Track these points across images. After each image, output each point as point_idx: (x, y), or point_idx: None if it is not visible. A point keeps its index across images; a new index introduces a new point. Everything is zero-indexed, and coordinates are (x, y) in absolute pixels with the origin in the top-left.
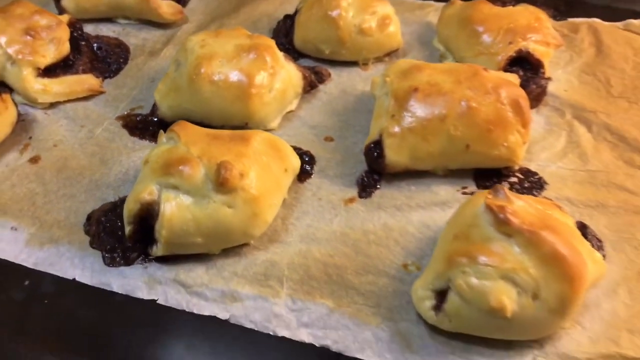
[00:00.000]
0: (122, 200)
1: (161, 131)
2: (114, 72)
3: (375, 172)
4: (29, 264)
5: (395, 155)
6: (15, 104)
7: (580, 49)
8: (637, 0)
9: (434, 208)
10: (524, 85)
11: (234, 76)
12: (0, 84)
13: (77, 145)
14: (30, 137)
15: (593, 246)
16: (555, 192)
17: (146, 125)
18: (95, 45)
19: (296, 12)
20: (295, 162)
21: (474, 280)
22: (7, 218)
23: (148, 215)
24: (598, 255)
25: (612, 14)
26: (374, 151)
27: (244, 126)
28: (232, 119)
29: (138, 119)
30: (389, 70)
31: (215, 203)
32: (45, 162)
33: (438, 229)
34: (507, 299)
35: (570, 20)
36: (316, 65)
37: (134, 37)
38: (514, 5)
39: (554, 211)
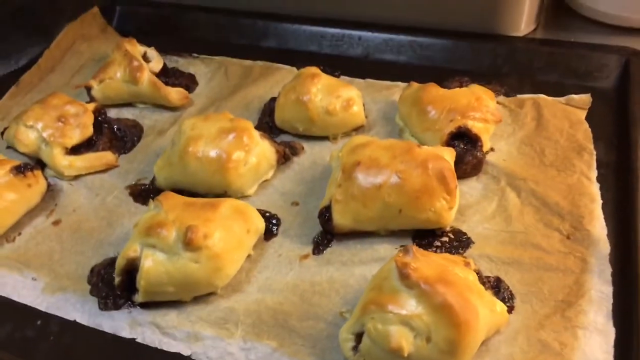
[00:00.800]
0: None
1: (150, 200)
2: (129, 149)
3: (328, 233)
4: (42, 307)
5: (340, 218)
6: (46, 178)
7: (522, 123)
8: (583, 76)
9: (373, 264)
10: (461, 156)
11: (214, 153)
12: (37, 162)
13: (91, 210)
14: (56, 204)
15: (505, 299)
16: (478, 250)
17: (147, 193)
18: (115, 126)
19: (279, 96)
20: (260, 224)
21: (379, 325)
22: (30, 270)
23: (133, 269)
24: (500, 305)
25: (560, 89)
26: (325, 215)
27: (223, 194)
28: (214, 188)
29: (142, 188)
30: (344, 147)
31: (183, 259)
32: (64, 225)
33: None
34: (405, 341)
35: (519, 96)
36: (292, 141)
37: (148, 118)
38: (467, 86)
39: (458, 267)
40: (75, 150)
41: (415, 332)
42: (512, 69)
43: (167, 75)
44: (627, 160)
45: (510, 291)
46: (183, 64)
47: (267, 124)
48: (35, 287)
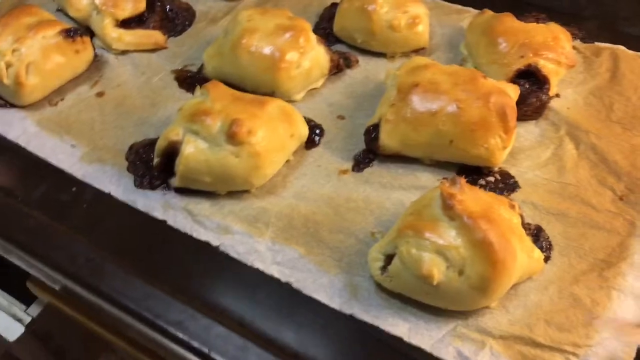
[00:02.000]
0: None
1: (197, 85)
2: (178, 32)
3: (371, 152)
4: (78, 175)
5: (388, 139)
6: (94, 47)
7: (595, 73)
8: None
9: (413, 190)
10: (525, 97)
11: (268, 50)
12: (87, 29)
13: (136, 88)
14: (101, 76)
15: (543, 248)
16: (523, 195)
17: (193, 81)
18: (168, 6)
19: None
20: (303, 130)
21: (413, 250)
22: (71, 137)
23: (173, 152)
24: (538, 252)
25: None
26: (372, 133)
27: (271, 94)
28: (262, 87)
29: (188, 74)
30: (403, 66)
31: (225, 151)
32: (108, 97)
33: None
34: (436, 270)
35: (597, 44)
36: (347, 52)
37: (202, 4)
38: (545, 23)
39: (503, 207)
40: (125, 23)
41: (449, 263)
42: (595, 13)
43: None
44: None
45: (550, 241)
46: None
47: (324, 30)
48: (74, 154)
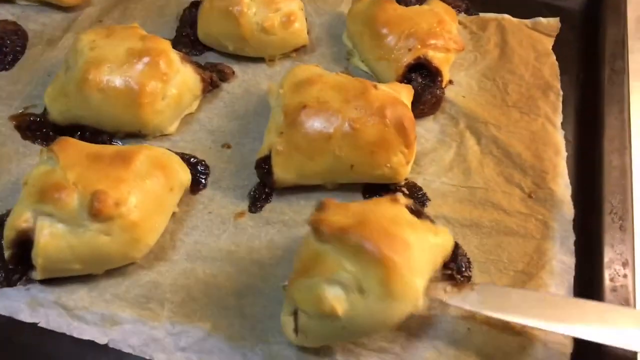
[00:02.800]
0: (8, 215)
1: (42, 148)
2: (9, 63)
3: (265, 186)
4: None
5: (282, 172)
6: None
7: (485, 50)
8: None
9: None
10: (419, 94)
11: (124, 84)
12: None
13: None
14: None
15: (462, 268)
16: (434, 210)
17: (39, 127)
18: None
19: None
20: (184, 177)
21: (306, 295)
22: None
23: (27, 240)
24: (442, 228)
25: (525, 8)
26: (264, 167)
27: (137, 133)
28: (125, 127)
29: (31, 119)
30: (285, 80)
31: (90, 231)
32: None
33: None
34: (335, 300)
35: (481, 15)
36: (219, 63)
37: (33, 21)
38: (421, 4)
39: (383, 206)
40: None
41: (346, 288)
42: None
43: None
44: (594, 99)
45: (468, 259)
46: None
47: (189, 37)
48: None
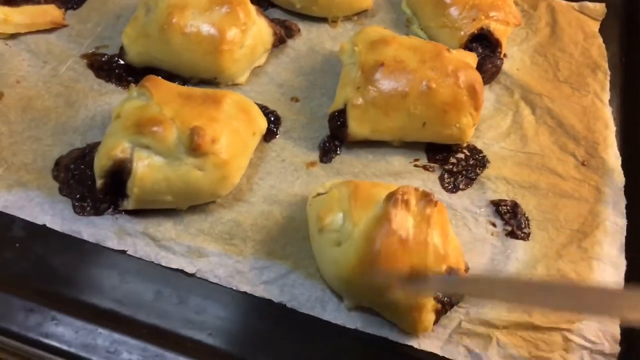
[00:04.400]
0: (91, 148)
1: (132, 84)
2: (77, 2)
3: (336, 138)
4: None
5: (357, 126)
6: None
7: (536, 28)
8: None
9: (388, 178)
10: (481, 63)
11: (206, 30)
12: None
13: (41, 83)
14: None
15: (522, 224)
16: (494, 171)
17: (112, 68)
18: None
19: None
20: (263, 124)
21: None
22: None
23: (119, 170)
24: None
25: None
26: (338, 120)
27: (212, 79)
28: (202, 73)
29: (104, 59)
30: (358, 39)
31: (186, 165)
32: (8, 100)
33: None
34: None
35: None
36: (286, 20)
37: None
38: None
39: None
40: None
41: None
42: None
43: None
44: (636, 81)
45: (527, 217)
46: None
47: None
48: None
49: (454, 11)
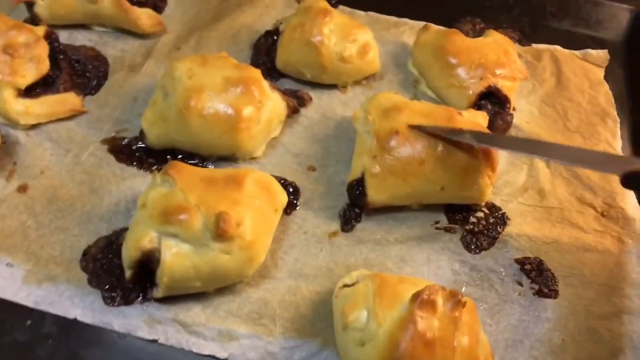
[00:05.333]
0: (117, 235)
1: (155, 171)
2: (94, 88)
3: (356, 206)
4: (29, 302)
5: (376, 194)
6: None
7: (542, 79)
8: (594, 26)
9: (410, 242)
10: (491, 120)
11: (223, 110)
12: None
13: (65, 172)
14: (15, 163)
15: (548, 282)
16: (516, 229)
17: (132, 151)
18: (74, 58)
19: (277, 30)
20: (284, 199)
21: None
22: (2, 253)
23: (148, 260)
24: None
25: (572, 39)
26: (356, 189)
27: (230, 156)
28: (220, 151)
29: (123, 143)
30: (370, 107)
31: (213, 251)
32: (34, 192)
33: (414, 263)
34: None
35: (534, 46)
36: (298, 90)
37: (111, 47)
38: (484, 28)
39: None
40: (29, 90)
41: None
42: (523, 10)
43: None
44: None
45: (553, 274)
46: None
47: (265, 65)
48: (14, 276)
49: (461, 71)
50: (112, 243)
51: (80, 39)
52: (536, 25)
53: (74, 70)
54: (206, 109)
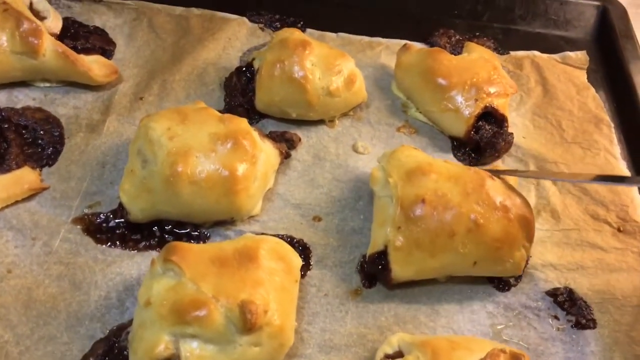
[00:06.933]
0: (115, 335)
1: (153, 258)
2: (51, 157)
3: (377, 281)
4: None
5: (401, 270)
6: None
7: (528, 89)
8: (563, 25)
9: (438, 289)
10: (493, 142)
11: (216, 173)
12: None
13: (36, 266)
14: None
15: (583, 311)
16: (539, 259)
17: (111, 229)
18: (21, 123)
19: (249, 66)
20: (299, 264)
21: None
22: None
23: None
24: None
25: (545, 41)
26: (378, 263)
27: (227, 220)
28: (216, 216)
29: (99, 220)
30: (391, 167)
31: (241, 346)
32: (4, 298)
33: (447, 312)
34: None
35: (513, 54)
36: (285, 132)
37: (61, 105)
38: (460, 39)
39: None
40: None
41: None
42: (493, 16)
43: (72, 36)
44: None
45: (585, 302)
46: (79, 11)
47: (242, 107)
48: None
49: (455, 94)
50: (112, 347)
51: (21, 98)
52: (507, 30)
53: (23, 139)
54: (197, 173)
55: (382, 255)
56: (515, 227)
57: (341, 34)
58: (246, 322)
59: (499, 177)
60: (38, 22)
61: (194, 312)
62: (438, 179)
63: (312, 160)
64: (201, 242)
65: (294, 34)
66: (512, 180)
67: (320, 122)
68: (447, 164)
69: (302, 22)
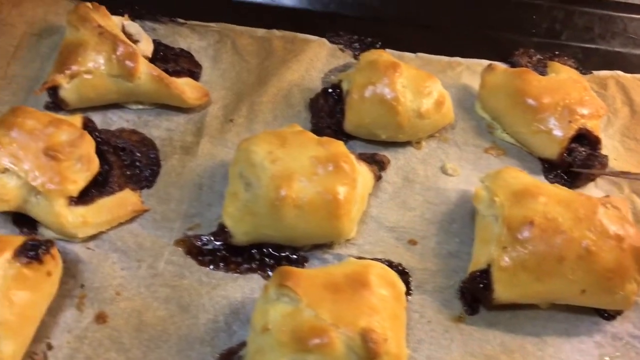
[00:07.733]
0: (226, 358)
1: (266, 284)
2: (149, 179)
3: (478, 301)
4: None
5: (504, 291)
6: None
7: (614, 109)
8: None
9: (542, 317)
10: (588, 164)
11: (319, 196)
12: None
13: (144, 289)
14: (82, 285)
15: None
16: None
17: (213, 251)
18: (119, 145)
19: (335, 88)
20: (402, 287)
21: None
22: None
23: None
24: None
25: (625, 60)
26: (480, 282)
27: (327, 243)
28: (317, 240)
29: (200, 243)
30: (497, 187)
31: None
32: (115, 321)
33: (554, 342)
34: None
35: (596, 73)
36: (375, 153)
37: (155, 127)
38: (540, 59)
39: None
40: (81, 196)
41: None
42: (571, 36)
43: (162, 59)
44: None
45: None
46: (164, 33)
47: (330, 129)
48: None
49: (547, 116)
50: None
51: (116, 120)
52: (587, 49)
53: (122, 161)
54: (300, 197)
55: (484, 274)
56: (629, 259)
57: (420, 54)
58: (370, 351)
59: (613, 206)
60: (133, 45)
61: (315, 339)
62: (547, 202)
63: (402, 182)
64: (300, 265)
65: (382, 55)
66: (626, 212)
67: (407, 143)
68: (556, 188)
69: (380, 43)
